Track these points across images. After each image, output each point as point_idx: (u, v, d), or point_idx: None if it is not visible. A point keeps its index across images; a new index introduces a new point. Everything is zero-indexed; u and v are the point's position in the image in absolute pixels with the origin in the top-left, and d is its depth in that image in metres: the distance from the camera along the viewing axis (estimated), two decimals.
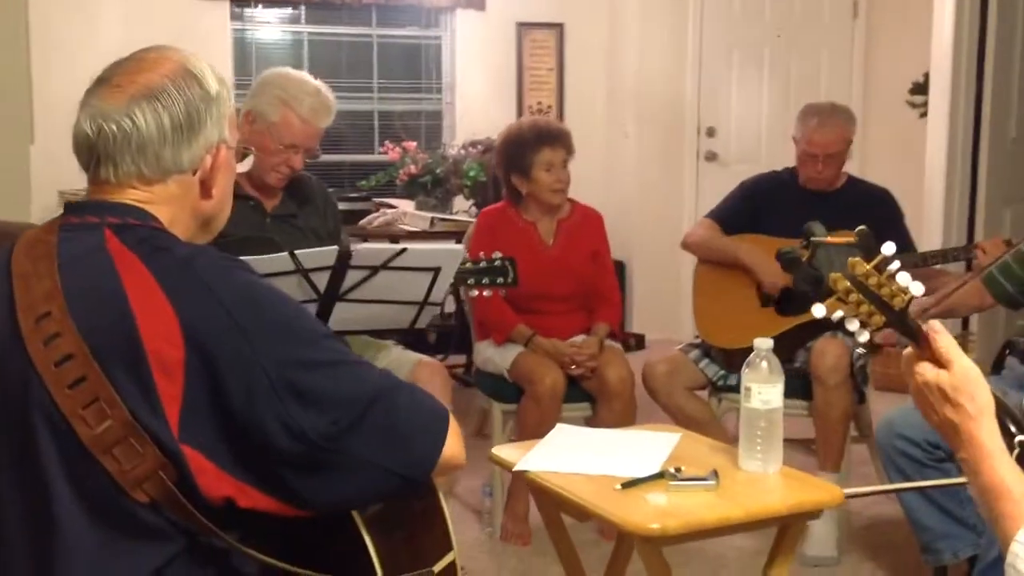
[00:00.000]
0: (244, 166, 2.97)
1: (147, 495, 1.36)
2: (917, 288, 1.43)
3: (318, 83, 3.03)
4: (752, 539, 3.20)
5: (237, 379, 1.37)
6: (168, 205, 1.51)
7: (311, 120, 2.98)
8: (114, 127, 1.46)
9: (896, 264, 1.42)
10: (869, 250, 1.43)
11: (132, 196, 1.49)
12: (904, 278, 1.42)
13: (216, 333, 1.38)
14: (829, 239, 1.46)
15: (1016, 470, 1.41)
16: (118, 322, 1.37)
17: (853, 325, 1.45)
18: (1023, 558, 1.31)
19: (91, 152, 1.49)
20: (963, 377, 1.43)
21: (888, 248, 1.42)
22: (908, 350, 1.47)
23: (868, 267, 1.42)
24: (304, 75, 3.06)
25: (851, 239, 1.44)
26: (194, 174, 1.52)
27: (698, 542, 3.44)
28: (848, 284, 1.42)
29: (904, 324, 1.45)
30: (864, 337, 1.47)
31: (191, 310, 1.38)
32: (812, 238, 1.46)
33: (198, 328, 1.37)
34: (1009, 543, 1.33)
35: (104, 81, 1.50)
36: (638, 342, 6.26)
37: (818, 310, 1.45)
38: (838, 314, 1.45)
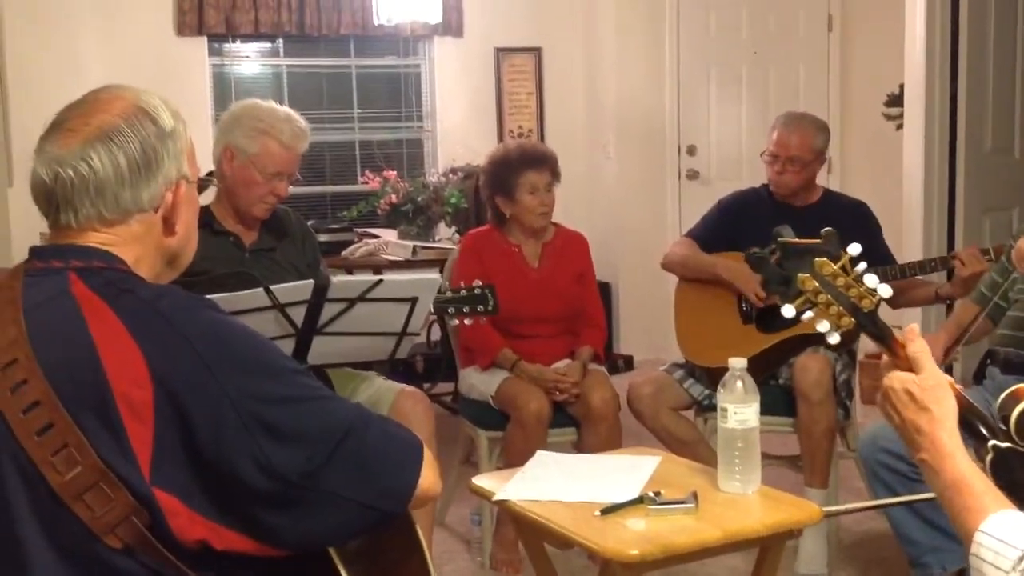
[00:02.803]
0: (207, 197, 2.96)
1: (120, 540, 1.36)
2: (885, 290, 1.44)
3: (286, 109, 3.07)
4: (743, 559, 3.20)
5: (207, 417, 1.37)
6: (132, 245, 1.51)
7: (292, 145, 3.00)
8: (71, 172, 1.45)
9: (863, 265, 1.43)
10: (835, 251, 1.44)
11: (95, 239, 1.49)
12: (871, 280, 1.43)
13: (183, 372, 1.38)
14: (797, 240, 1.46)
15: (974, 467, 1.44)
16: (85, 366, 1.37)
17: (823, 326, 1.46)
18: (986, 547, 1.33)
19: (50, 199, 1.48)
20: (933, 382, 1.46)
21: (854, 248, 1.43)
22: (885, 359, 1.48)
23: (835, 267, 1.43)
24: (271, 104, 3.08)
25: (817, 240, 1.45)
26: (156, 212, 1.52)
27: (690, 563, 3.45)
28: (816, 284, 1.43)
29: (874, 326, 1.46)
30: (835, 339, 1.47)
31: (158, 351, 1.38)
32: (779, 239, 1.47)
33: (165, 368, 1.37)
34: (972, 535, 1.36)
35: (58, 126, 1.49)
36: (626, 363, 6.26)
37: (787, 310, 1.45)
38: (808, 314, 1.45)
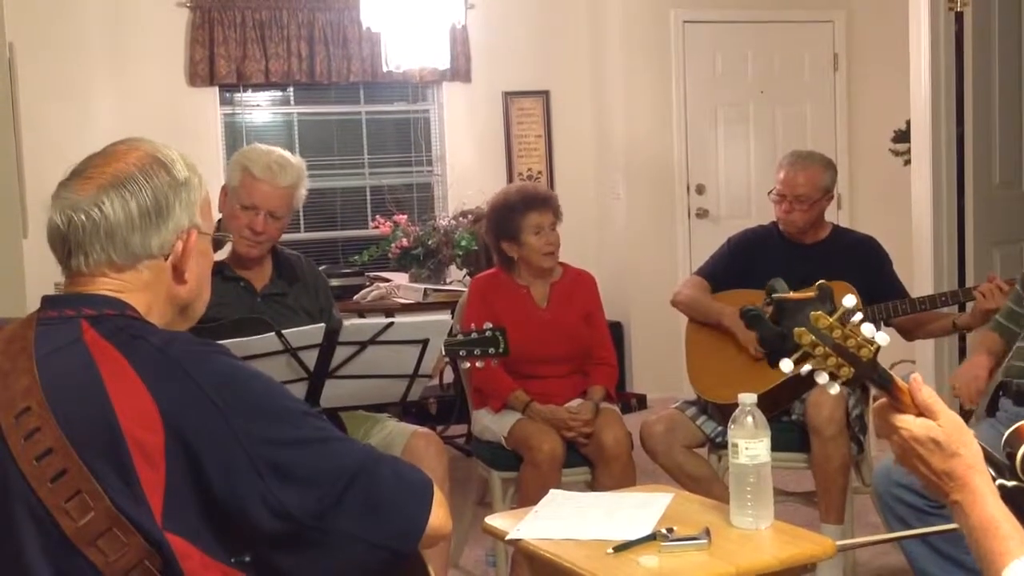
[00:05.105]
0: (223, 255, 2.99)
1: None
2: (883, 338, 1.45)
3: (281, 151, 3.06)
4: None
5: (218, 461, 1.39)
6: (143, 292, 1.53)
7: (264, 177, 2.97)
8: (83, 216, 1.49)
9: (859, 316, 1.44)
10: (830, 304, 1.45)
11: (106, 286, 1.51)
12: (869, 329, 1.44)
13: (195, 416, 1.39)
14: (791, 295, 1.47)
15: (1005, 510, 1.43)
16: (97, 413, 1.38)
17: (823, 378, 1.46)
18: None
19: (64, 243, 1.51)
20: (954, 426, 1.46)
21: (848, 300, 1.44)
22: (880, 401, 1.48)
23: (832, 320, 1.44)
24: (269, 146, 3.10)
25: (811, 294, 1.45)
26: (166, 259, 1.55)
27: None
28: (813, 338, 1.43)
29: (874, 373, 1.46)
30: (835, 389, 1.48)
31: (169, 396, 1.40)
32: (773, 295, 1.48)
33: (177, 413, 1.39)
34: None
35: (77, 174, 1.53)
36: (640, 402, 6.25)
37: (785, 364, 1.46)
38: (806, 368, 1.46)
